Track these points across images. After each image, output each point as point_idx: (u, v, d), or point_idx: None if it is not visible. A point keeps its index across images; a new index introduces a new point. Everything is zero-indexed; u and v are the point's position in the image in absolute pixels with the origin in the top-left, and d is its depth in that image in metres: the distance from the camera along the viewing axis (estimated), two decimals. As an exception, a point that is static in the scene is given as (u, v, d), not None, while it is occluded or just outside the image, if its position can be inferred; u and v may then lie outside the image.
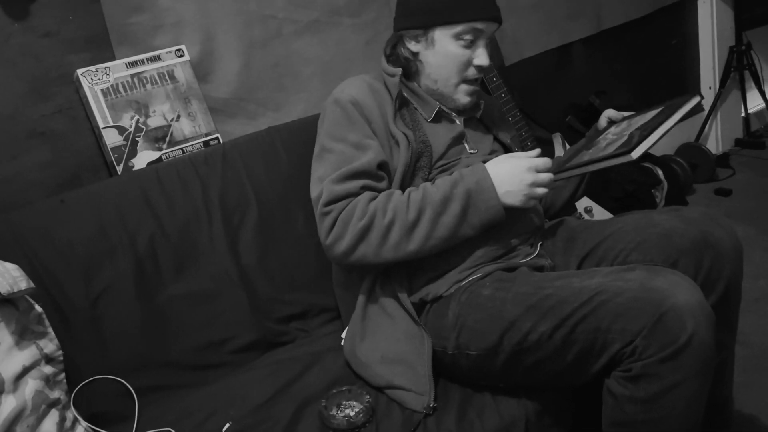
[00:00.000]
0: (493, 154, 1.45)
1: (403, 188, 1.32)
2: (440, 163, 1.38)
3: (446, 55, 1.35)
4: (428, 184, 1.27)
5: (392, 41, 1.44)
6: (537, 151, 1.29)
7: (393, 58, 1.43)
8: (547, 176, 1.26)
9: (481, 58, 1.35)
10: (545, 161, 1.26)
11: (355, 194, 1.26)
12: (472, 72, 1.37)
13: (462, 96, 1.40)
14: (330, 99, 1.38)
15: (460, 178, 1.25)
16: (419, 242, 1.23)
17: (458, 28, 1.33)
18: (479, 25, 1.33)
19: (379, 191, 1.28)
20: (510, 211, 1.32)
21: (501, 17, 1.37)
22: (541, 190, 1.25)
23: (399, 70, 1.40)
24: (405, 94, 1.41)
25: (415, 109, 1.41)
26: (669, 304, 1.00)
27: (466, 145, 1.43)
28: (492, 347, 1.16)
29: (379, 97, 1.37)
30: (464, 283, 1.27)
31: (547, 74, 2.52)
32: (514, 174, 1.24)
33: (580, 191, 1.55)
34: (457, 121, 1.44)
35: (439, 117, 1.42)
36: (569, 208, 2.02)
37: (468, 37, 1.33)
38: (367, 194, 1.26)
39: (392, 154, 1.34)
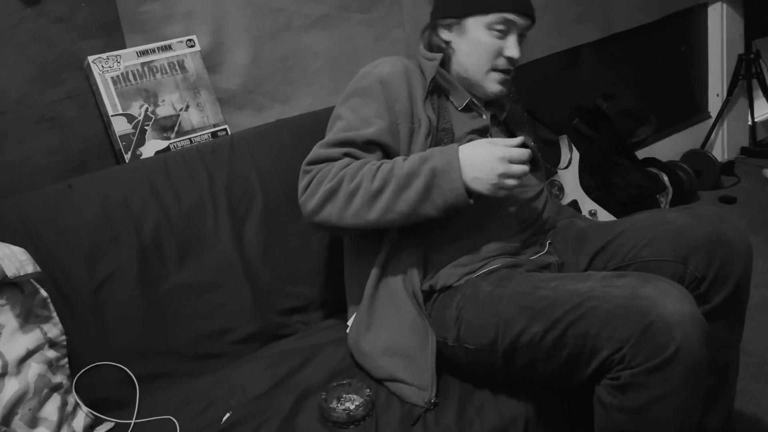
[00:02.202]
0: None
1: None
2: None
3: (477, 43, 1.38)
4: (401, 157, 1.27)
5: (427, 30, 1.46)
6: (519, 139, 1.25)
7: (429, 46, 1.46)
8: (520, 168, 1.20)
9: (511, 49, 1.37)
10: (521, 153, 1.21)
11: (335, 159, 1.28)
12: (502, 62, 1.39)
13: (492, 84, 1.41)
14: (362, 71, 1.40)
15: (430, 155, 1.23)
16: (379, 212, 1.22)
17: (490, 18, 1.35)
18: (510, 16, 1.35)
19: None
20: (523, 206, 1.32)
21: (534, 15, 1.39)
22: (511, 182, 1.20)
23: (439, 56, 1.41)
24: (440, 81, 1.42)
25: (447, 98, 1.43)
26: (656, 314, 0.99)
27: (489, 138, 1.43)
28: (488, 344, 1.16)
29: (411, 78, 1.38)
30: (475, 276, 1.27)
31: (555, 76, 2.52)
32: (486, 161, 1.20)
33: None
34: (484, 116, 1.44)
35: (469, 108, 1.43)
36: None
37: (500, 27, 1.36)
38: (345, 159, 1.27)
39: (413, 137, 1.34)
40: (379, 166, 1.23)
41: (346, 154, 1.28)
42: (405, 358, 1.25)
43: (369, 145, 1.30)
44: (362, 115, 1.32)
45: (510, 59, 1.38)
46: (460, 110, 1.41)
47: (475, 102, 1.43)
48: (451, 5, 1.40)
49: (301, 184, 1.29)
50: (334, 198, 1.23)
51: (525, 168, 1.21)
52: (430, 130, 1.32)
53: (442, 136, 1.35)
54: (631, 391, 1.02)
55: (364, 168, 1.24)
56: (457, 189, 1.19)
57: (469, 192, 1.21)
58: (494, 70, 1.40)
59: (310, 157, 1.30)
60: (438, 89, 1.41)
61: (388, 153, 1.33)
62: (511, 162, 1.20)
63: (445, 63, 1.43)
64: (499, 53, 1.38)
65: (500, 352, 1.15)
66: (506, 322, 1.14)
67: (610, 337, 1.02)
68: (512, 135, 1.51)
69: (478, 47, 1.38)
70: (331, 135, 1.32)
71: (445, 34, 1.42)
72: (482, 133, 1.42)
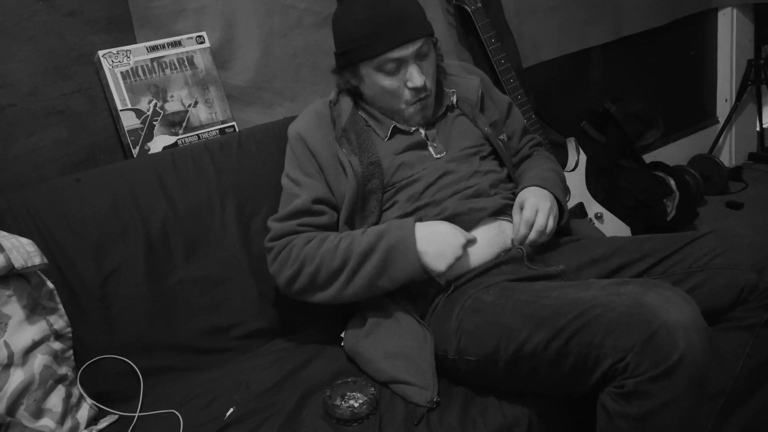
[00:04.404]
0: (466, 150, 1.44)
1: (354, 215, 1.37)
2: (403, 176, 1.38)
3: (378, 87, 1.38)
4: (359, 232, 1.31)
5: (336, 72, 1.46)
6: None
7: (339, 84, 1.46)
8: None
9: (413, 79, 1.34)
10: (474, 236, 1.30)
11: (292, 232, 1.35)
12: (409, 96, 1.37)
13: (411, 116, 1.41)
14: (288, 133, 1.45)
15: (387, 231, 1.27)
16: (339, 288, 1.29)
17: (375, 62, 1.34)
18: (393, 55, 1.32)
19: (318, 226, 1.36)
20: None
21: (421, 32, 1.33)
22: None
23: (329, 99, 1.46)
24: (361, 114, 1.44)
25: (369, 126, 1.43)
26: (660, 322, 0.98)
27: (431, 149, 1.43)
28: (490, 354, 1.16)
29: (326, 124, 1.42)
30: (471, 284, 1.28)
31: (564, 78, 2.51)
32: (447, 234, 1.27)
33: None
34: (421, 130, 1.44)
35: (395, 133, 1.43)
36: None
37: (389, 66, 1.34)
38: (303, 236, 1.33)
39: (340, 181, 1.37)
40: (338, 243, 1.29)
41: (301, 224, 1.35)
42: (405, 359, 1.25)
43: (315, 206, 1.36)
44: (294, 177, 1.40)
45: (415, 89, 1.36)
46: (387, 140, 1.42)
47: (401, 127, 1.43)
48: (342, 55, 1.40)
49: (268, 258, 1.37)
50: (298, 279, 1.32)
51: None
52: (354, 172, 1.35)
53: (371, 170, 1.36)
54: (635, 398, 1.01)
55: (323, 246, 1.30)
56: (411, 265, 1.25)
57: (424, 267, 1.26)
58: (408, 104, 1.39)
59: (270, 234, 1.37)
60: (354, 123, 1.41)
61: (332, 204, 1.38)
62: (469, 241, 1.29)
63: (363, 96, 1.44)
64: (403, 88, 1.36)
65: (503, 362, 1.14)
66: (509, 332, 1.13)
67: (614, 345, 1.01)
68: (467, 119, 1.49)
69: (380, 90, 1.38)
70: (281, 209, 1.40)
71: (351, 80, 1.42)
72: (418, 147, 1.42)
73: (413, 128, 1.43)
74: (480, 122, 1.48)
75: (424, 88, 1.36)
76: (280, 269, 1.34)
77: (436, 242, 1.26)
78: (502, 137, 1.52)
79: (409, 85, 1.35)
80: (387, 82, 1.36)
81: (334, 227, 1.39)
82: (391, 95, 1.38)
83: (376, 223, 1.37)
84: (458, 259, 1.26)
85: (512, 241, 1.36)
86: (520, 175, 1.52)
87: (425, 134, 1.44)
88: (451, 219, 1.33)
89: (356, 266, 1.27)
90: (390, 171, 1.38)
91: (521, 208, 1.36)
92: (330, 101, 1.47)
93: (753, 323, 1.17)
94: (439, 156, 1.42)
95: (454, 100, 1.49)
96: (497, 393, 1.20)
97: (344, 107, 1.44)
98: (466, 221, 1.34)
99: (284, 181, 1.43)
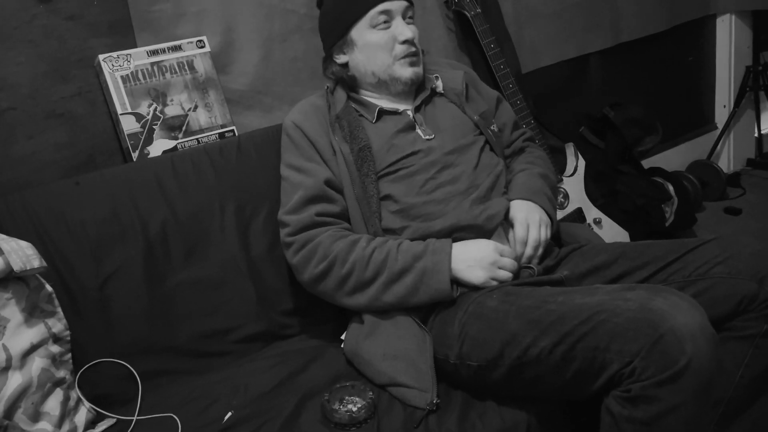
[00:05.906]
0: (461, 141, 1.45)
1: (357, 201, 1.37)
2: (395, 158, 1.41)
3: (370, 45, 1.44)
4: (394, 246, 1.30)
5: (326, 64, 1.53)
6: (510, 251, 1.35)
7: (331, 78, 1.53)
8: (510, 263, 1.31)
9: (403, 32, 1.42)
10: (509, 249, 1.34)
11: (311, 224, 1.34)
12: (400, 49, 1.44)
13: (403, 71, 1.45)
14: (283, 125, 1.48)
15: (423, 253, 1.29)
16: (369, 299, 1.30)
17: (369, 16, 1.41)
18: (384, 6, 1.41)
19: (334, 215, 1.36)
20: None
21: None
22: (504, 273, 1.29)
23: (326, 86, 1.51)
24: (353, 105, 1.48)
25: (360, 115, 1.47)
26: (667, 327, 0.98)
27: (419, 131, 1.45)
28: (493, 359, 1.16)
29: (321, 114, 1.46)
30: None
31: (563, 84, 2.52)
32: (481, 250, 1.29)
33: None
34: (408, 112, 1.47)
35: (382, 114, 1.47)
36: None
37: (381, 19, 1.42)
38: (329, 234, 1.33)
39: (337, 167, 1.40)
40: (372, 253, 1.30)
41: (318, 213, 1.35)
42: (404, 361, 1.25)
43: (326, 192, 1.37)
44: (297, 165, 1.41)
45: (407, 42, 1.43)
46: (375, 122, 1.45)
47: (387, 108, 1.46)
48: (333, 27, 1.47)
49: (287, 252, 1.37)
50: (326, 279, 1.32)
51: (515, 264, 1.32)
52: (345, 159, 1.39)
53: (361, 156, 1.39)
54: (642, 402, 1.01)
55: (354, 251, 1.30)
56: (443, 290, 1.27)
57: (459, 283, 1.29)
58: (397, 59, 1.44)
59: (288, 229, 1.36)
60: (347, 113, 1.45)
61: (339, 189, 1.39)
62: (502, 255, 1.31)
63: (354, 85, 1.50)
64: (394, 42, 1.43)
65: (506, 367, 1.14)
66: (513, 337, 1.13)
67: (620, 350, 1.01)
68: (455, 106, 1.52)
69: (373, 48, 1.43)
70: (289, 201, 1.38)
71: (340, 58, 1.48)
72: (407, 129, 1.45)
73: (401, 108, 1.47)
74: (468, 110, 1.51)
75: (413, 42, 1.43)
76: (303, 265, 1.34)
77: (469, 255, 1.29)
78: (492, 128, 1.53)
79: (400, 38, 1.42)
80: (378, 36, 1.42)
81: (347, 217, 1.40)
82: (382, 50, 1.43)
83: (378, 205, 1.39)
84: (493, 264, 1.29)
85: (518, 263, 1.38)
86: (510, 178, 1.53)
87: (413, 116, 1.47)
88: (467, 230, 1.34)
89: (389, 283, 1.28)
90: (381, 153, 1.41)
91: (512, 227, 1.40)
92: (327, 87, 1.51)
93: (753, 333, 1.17)
94: (428, 138, 1.44)
95: (440, 85, 1.53)
96: (497, 397, 1.20)
97: (339, 97, 1.49)
98: (484, 231, 1.36)
99: (286, 171, 1.43)
